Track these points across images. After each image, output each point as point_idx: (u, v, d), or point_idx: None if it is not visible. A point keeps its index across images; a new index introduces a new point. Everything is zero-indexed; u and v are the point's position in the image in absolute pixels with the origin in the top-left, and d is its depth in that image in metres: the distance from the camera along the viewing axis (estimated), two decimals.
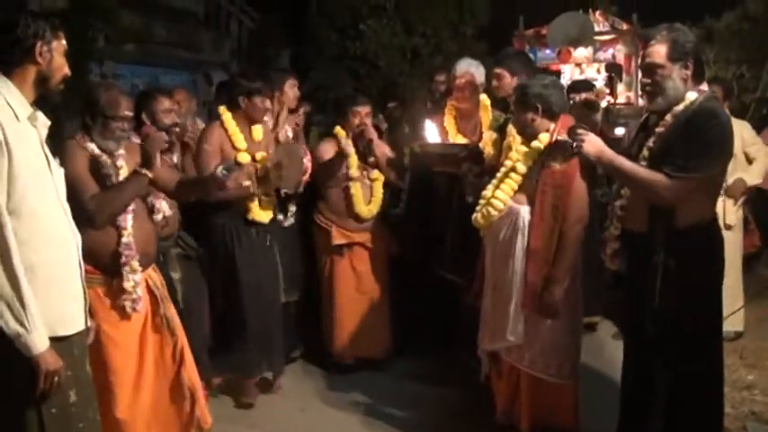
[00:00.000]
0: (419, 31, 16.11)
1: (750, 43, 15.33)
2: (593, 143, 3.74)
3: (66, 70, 3.13)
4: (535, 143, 4.42)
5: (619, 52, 12.33)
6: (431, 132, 5.56)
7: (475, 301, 4.90)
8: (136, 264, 3.91)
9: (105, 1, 11.82)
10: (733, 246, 6.21)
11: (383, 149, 6.04)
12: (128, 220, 3.91)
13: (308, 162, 5.89)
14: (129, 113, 4.01)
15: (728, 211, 6.60)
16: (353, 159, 5.89)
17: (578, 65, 11.93)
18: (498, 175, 4.53)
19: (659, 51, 3.63)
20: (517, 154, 4.49)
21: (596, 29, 11.95)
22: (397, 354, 6.20)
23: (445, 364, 6.00)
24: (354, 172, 5.88)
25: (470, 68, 5.61)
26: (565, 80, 10.66)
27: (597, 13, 12.56)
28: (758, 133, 7.22)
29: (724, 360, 5.54)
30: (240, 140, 5.26)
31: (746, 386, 5.18)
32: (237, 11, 21.12)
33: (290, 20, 20.39)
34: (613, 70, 11.64)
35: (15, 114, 2.88)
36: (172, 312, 4.24)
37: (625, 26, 12.43)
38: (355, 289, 5.99)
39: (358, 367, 5.97)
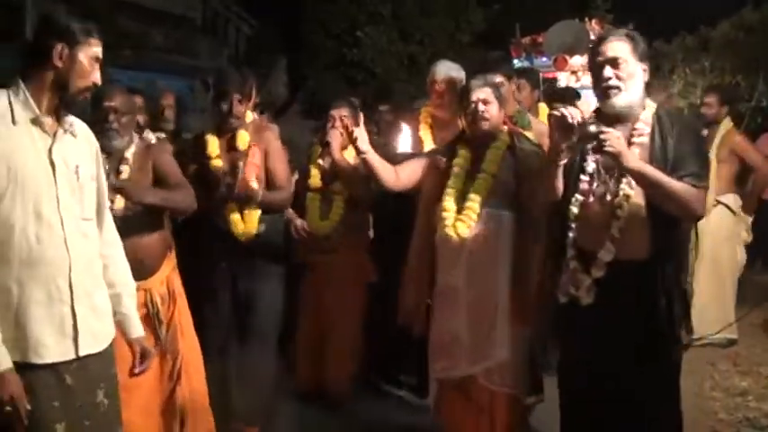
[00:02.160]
0: (416, 39, 16.24)
1: (745, 52, 15.44)
2: (618, 141, 2.97)
3: (95, 78, 2.83)
4: (499, 144, 3.95)
5: None
6: (403, 142, 4.91)
7: (409, 321, 4.20)
8: None
9: (103, 6, 11.87)
10: (730, 255, 6.23)
11: (346, 159, 5.02)
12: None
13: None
14: (114, 104, 3.68)
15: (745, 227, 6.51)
16: (315, 168, 5.12)
17: (574, 72, 11.95)
18: (452, 180, 3.96)
19: (622, 47, 3.13)
20: (461, 158, 4.00)
21: (592, 37, 12.00)
22: (364, 388, 5.21)
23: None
24: (314, 182, 5.11)
25: (451, 72, 4.88)
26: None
27: (593, 21, 12.60)
28: (753, 141, 7.24)
29: (718, 366, 5.68)
30: (214, 147, 4.45)
31: (740, 393, 5.12)
32: (235, 17, 21.23)
33: (288, 27, 20.48)
34: None
35: (13, 117, 2.67)
36: (175, 329, 3.89)
37: None
38: (318, 314, 5.14)
39: (320, 398, 5.02)
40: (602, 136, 2.93)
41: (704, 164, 3.17)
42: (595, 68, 3.17)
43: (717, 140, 6.21)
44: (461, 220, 3.84)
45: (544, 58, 11.52)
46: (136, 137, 3.89)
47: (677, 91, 17.34)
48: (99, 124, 3.56)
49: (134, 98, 3.99)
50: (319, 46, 16.89)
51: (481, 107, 3.84)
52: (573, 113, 2.98)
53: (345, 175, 4.98)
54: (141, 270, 3.57)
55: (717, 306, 6.15)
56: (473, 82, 3.97)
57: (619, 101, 3.12)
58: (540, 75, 11.54)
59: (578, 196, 3.22)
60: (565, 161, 3.15)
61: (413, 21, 15.98)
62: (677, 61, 17.44)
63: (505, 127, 4.06)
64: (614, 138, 2.94)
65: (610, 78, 3.11)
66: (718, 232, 6.14)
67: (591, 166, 3.19)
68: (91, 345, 2.78)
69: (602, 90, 3.14)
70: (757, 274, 7.84)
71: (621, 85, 3.10)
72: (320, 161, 5.09)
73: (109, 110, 3.68)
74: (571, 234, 3.23)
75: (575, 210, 3.23)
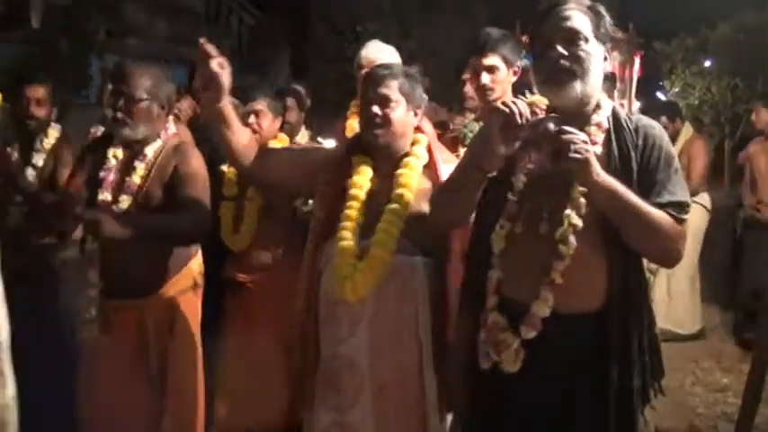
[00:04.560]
0: (416, 35, 16.33)
1: (745, 54, 15.54)
2: (587, 147, 2.13)
3: None
4: (413, 160, 2.88)
5: (614, 60, 12.48)
6: (328, 143, 4.18)
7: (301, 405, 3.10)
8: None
9: None
10: (698, 252, 6.38)
11: None
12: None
13: None
14: (122, 86, 3.17)
15: None
16: (230, 171, 4.01)
17: None
18: (348, 209, 2.84)
19: (581, 19, 2.27)
20: (362, 176, 2.89)
21: None
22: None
23: None
24: (228, 189, 4.03)
25: (380, 55, 3.95)
26: None
27: None
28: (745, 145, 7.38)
29: (701, 363, 5.75)
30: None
31: (720, 389, 5.22)
32: (238, 8, 21.31)
33: (291, 19, 20.55)
34: (606, 78, 11.79)
35: None
36: (170, 362, 3.27)
37: (621, 35, 12.58)
38: (244, 341, 4.05)
39: None
40: (565, 137, 2.09)
41: (684, 190, 2.29)
42: (541, 44, 2.28)
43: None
44: (362, 272, 2.72)
45: None
46: (166, 131, 3.27)
47: (676, 91, 17.48)
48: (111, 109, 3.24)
49: (161, 81, 3.22)
50: (323, 39, 17.00)
51: (376, 109, 2.80)
52: (521, 108, 2.17)
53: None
54: (132, 287, 3.10)
55: (690, 301, 6.40)
56: (374, 72, 2.93)
57: (572, 90, 2.22)
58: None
59: (504, 222, 2.31)
60: (493, 173, 2.28)
61: (413, 17, 16.10)
62: (676, 62, 17.60)
63: (424, 136, 2.97)
64: (581, 141, 2.10)
65: (562, 58, 2.21)
66: (699, 233, 6.32)
67: (521, 180, 2.30)
68: None
69: (550, 74, 2.25)
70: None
71: (577, 70, 2.21)
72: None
73: (115, 93, 3.21)
74: (493, 276, 2.33)
75: (498, 242, 2.32)
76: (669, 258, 2.37)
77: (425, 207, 2.72)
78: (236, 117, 2.90)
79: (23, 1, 13.67)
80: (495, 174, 2.28)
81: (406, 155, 2.87)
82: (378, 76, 2.86)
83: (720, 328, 6.65)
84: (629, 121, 2.33)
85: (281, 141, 4.07)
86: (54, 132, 4.39)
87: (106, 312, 3.01)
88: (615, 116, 2.34)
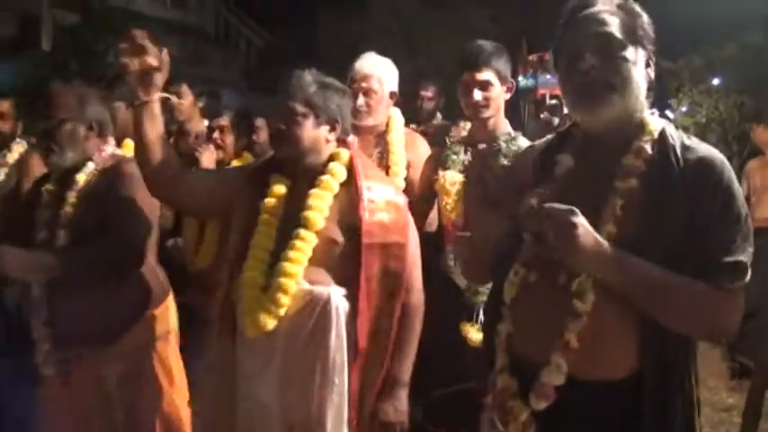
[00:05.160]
0: (423, 53, 16.40)
1: (751, 73, 15.54)
2: (586, 234, 1.73)
3: None
4: (327, 178, 2.58)
5: None
6: None
7: None
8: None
9: (118, 17, 12.08)
10: None
11: None
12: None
13: None
14: (49, 109, 2.91)
15: None
16: None
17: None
18: (258, 234, 2.59)
19: (614, 23, 1.87)
20: (274, 197, 2.63)
21: None
22: None
23: None
24: None
25: (375, 69, 3.60)
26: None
27: None
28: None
29: (707, 383, 5.62)
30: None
31: (726, 408, 5.20)
32: (247, 30, 21.45)
33: (299, 40, 20.68)
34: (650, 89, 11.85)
35: None
36: (140, 416, 2.98)
37: None
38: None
39: None
40: (546, 217, 1.73)
41: (746, 244, 1.78)
42: (568, 56, 1.90)
43: None
44: (264, 304, 2.47)
45: (548, 76, 11.66)
46: (99, 153, 3.00)
47: (684, 110, 17.49)
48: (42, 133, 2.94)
49: (87, 99, 2.98)
50: (332, 58, 17.06)
51: (280, 122, 2.57)
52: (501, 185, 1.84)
53: None
54: (88, 335, 2.81)
55: None
56: (291, 84, 2.61)
57: (609, 107, 1.83)
58: (546, 92, 11.74)
59: (518, 267, 1.96)
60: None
61: (421, 35, 16.17)
62: (683, 81, 17.60)
63: (345, 150, 2.67)
64: (565, 222, 1.70)
65: (594, 68, 1.83)
66: None
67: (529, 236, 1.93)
68: None
69: (581, 88, 1.86)
70: None
71: (614, 81, 1.82)
72: None
73: (35, 118, 2.96)
74: (503, 330, 2.00)
75: (510, 290, 1.98)
76: (717, 336, 2.06)
77: (346, 232, 2.52)
78: (161, 122, 2.62)
79: (34, 23, 13.82)
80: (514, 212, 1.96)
81: (322, 172, 2.60)
82: (287, 87, 2.60)
83: (726, 347, 6.64)
84: (681, 150, 1.83)
85: (244, 160, 3.96)
86: (18, 147, 4.24)
87: (64, 364, 2.82)
88: (663, 142, 1.85)
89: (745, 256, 1.76)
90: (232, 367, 2.58)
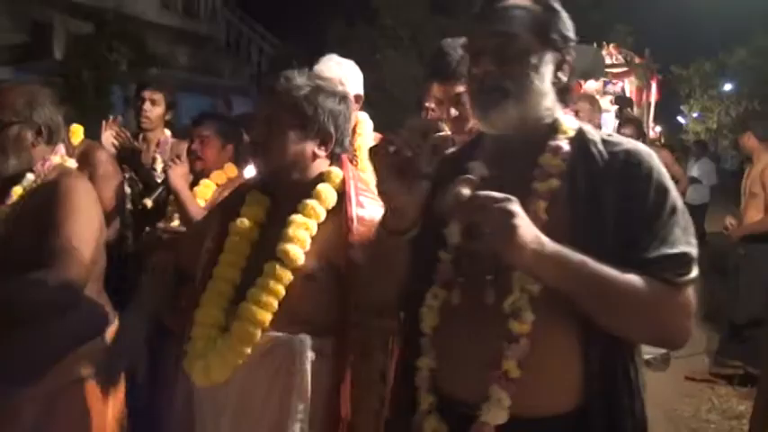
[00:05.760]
0: None
1: (762, 77, 15.53)
2: (527, 226, 1.49)
3: None
4: (312, 203, 2.16)
5: (631, 84, 12.50)
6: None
7: None
8: None
9: (132, 28, 12.16)
10: None
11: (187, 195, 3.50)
12: None
13: None
14: None
15: None
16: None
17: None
18: (221, 264, 2.22)
19: (521, 21, 1.68)
20: (245, 219, 2.24)
21: (609, 61, 12.13)
22: None
23: None
24: (173, 224, 3.61)
25: (336, 71, 3.25)
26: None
27: (611, 46, 12.73)
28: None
29: (717, 390, 5.61)
30: None
31: (736, 416, 5.17)
32: (258, 38, 21.53)
33: (309, 49, 20.75)
34: (623, 103, 11.81)
35: None
36: None
37: (638, 59, 12.61)
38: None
39: None
40: (478, 206, 1.46)
41: (687, 235, 1.63)
42: (471, 58, 1.75)
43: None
44: (219, 350, 2.09)
45: None
46: (44, 163, 2.57)
47: (695, 116, 17.46)
48: None
49: (38, 100, 2.57)
50: None
51: (258, 132, 2.23)
52: (409, 139, 1.58)
53: (182, 216, 3.49)
54: (5, 372, 2.41)
55: None
56: (277, 86, 2.24)
57: (502, 114, 1.66)
58: None
59: (437, 290, 1.68)
60: (412, 231, 1.66)
61: (431, 44, 16.17)
62: (694, 86, 17.60)
63: (337, 170, 2.25)
64: (502, 209, 1.45)
65: (489, 75, 1.67)
66: None
67: (455, 232, 1.61)
68: None
69: (475, 95, 1.72)
70: None
71: (509, 87, 1.65)
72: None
73: None
74: (423, 366, 1.70)
75: (429, 318, 1.68)
76: (669, 341, 1.70)
77: (326, 267, 2.11)
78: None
79: (47, 32, 13.92)
80: (419, 229, 1.67)
81: (308, 193, 2.18)
82: (272, 89, 2.22)
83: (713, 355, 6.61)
84: (603, 145, 1.69)
85: (229, 171, 3.73)
86: None
87: None
88: (582, 138, 1.71)
89: (689, 247, 1.59)
90: (190, 408, 2.23)
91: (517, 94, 1.65)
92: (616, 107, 11.74)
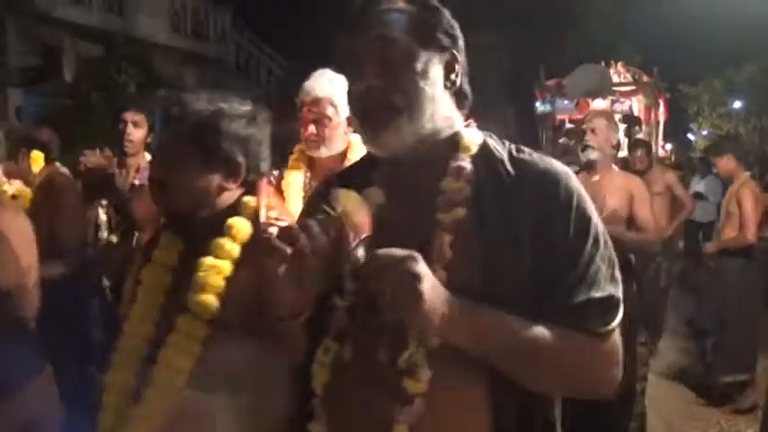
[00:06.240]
0: None
1: None
2: (434, 288, 1.25)
3: None
4: (223, 242, 1.84)
5: (639, 103, 12.48)
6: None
7: None
8: None
9: (141, 50, 12.25)
10: None
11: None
12: None
13: None
14: None
15: None
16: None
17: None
18: (131, 319, 1.93)
19: (401, 24, 1.46)
20: (154, 264, 1.94)
21: (617, 80, 12.12)
22: None
23: None
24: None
25: (327, 91, 2.87)
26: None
27: (619, 64, 12.72)
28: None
29: (726, 412, 5.48)
30: None
31: None
32: (267, 59, 21.67)
33: (317, 69, 20.84)
34: (631, 121, 11.79)
35: None
36: None
37: (646, 78, 12.60)
38: None
39: None
40: (375, 270, 1.23)
41: (610, 273, 1.40)
42: (350, 70, 1.49)
43: None
44: (133, 421, 1.84)
45: (566, 101, 11.64)
46: None
47: (704, 134, 17.43)
48: None
49: None
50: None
51: (156, 173, 1.96)
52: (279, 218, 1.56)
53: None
54: None
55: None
56: (170, 116, 1.91)
57: (395, 133, 1.40)
58: (564, 118, 11.75)
59: (330, 343, 1.43)
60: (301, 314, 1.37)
61: None
62: (703, 104, 17.55)
63: (250, 199, 1.92)
64: (407, 274, 1.22)
65: (374, 88, 1.41)
66: None
67: (350, 277, 1.37)
68: None
69: (361, 115, 1.44)
70: None
71: (398, 101, 1.39)
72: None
73: None
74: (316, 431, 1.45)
75: (320, 375, 1.43)
76: (593, 393, 1.46)
77: (242, 306, 1.79)
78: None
79: (57, 54, 14.04)
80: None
81: (219, 230, 1.86)
82: (167, 120, 1.90)
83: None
84: (512, 164, 1.44)
85: None
86: None
87: None
88: (486, 156, 1.45)
89: (614, 287, 1.37)
90: None
91: (409, 107, 1.40)
92: (624, 126, 11.74)
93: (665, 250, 6.80)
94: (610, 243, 1.42)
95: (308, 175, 2.86)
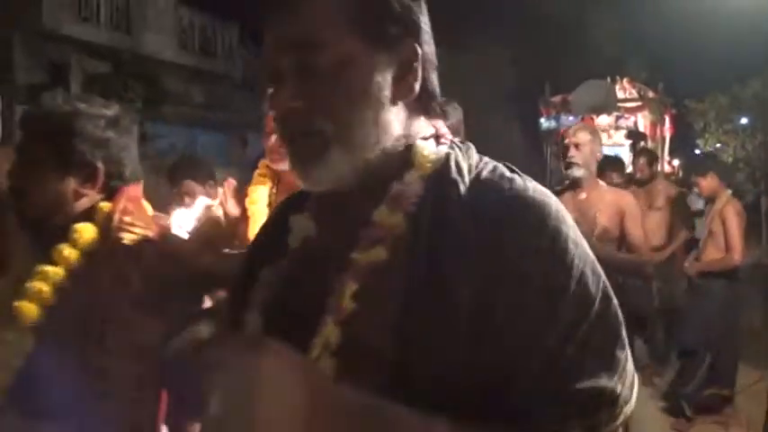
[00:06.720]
0: (441, 93, 16.42)
1: None
2: (283, 359, 0.86)
3: None
4: (63, 250, 1.75)
5: (645, 119, 12.47)
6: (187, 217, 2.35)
7: None
8: None
9: (148, 67, 12.30)
10: None
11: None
12: None
13: None
14: None
15: None
16: None
17: (603, 131, 12.04)
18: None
19: (326, 12, 1.02)
20: (8, 279, 1.80)
21: (622, 96, 12.12)
22: None
23: None
24: None
25: None
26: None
27: (625, 80, 12.72)
28: None
29: (729, 429, 5.49)
30: None
31: None
32: None
33: None
34: (636, 137, 11.77)
35: None
36: None
37: (651, 94, 12.60)
38: None
39: None
40: (214, 362, 0.88)
41: (619, 353, 0.96)
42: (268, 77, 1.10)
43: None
44: None
45: (571, 117, 11.63)
46: None
47: (711, 150, 17.38)
48: None
49: None
50: None
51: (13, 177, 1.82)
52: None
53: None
54: None
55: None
56: (28, 117, 1.85)
57: (324, 170, 1.05)
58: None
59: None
60: None
61: (439, 75, 16.19)
62: (709, 120, 17.50)
63: (105, 205, 1.81)
64: (273, 354, 0.86)
65: (293, 113, 1.05)
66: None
67: (255, 319, 1.11)
68: None
69: (285, 142, 1.10)
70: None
71: (325, 127, 1.03)
72: None
73: None
74: None
75: None
76: None
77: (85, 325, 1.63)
78: None
79: (63, 71, 14.09)
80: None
81: (66, 239, 1.72)
82: (26, 121, 1.82)
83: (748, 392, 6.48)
84: (474, 190, 1.04)
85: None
86: None
87: None
88: (443, 176, 1.06)
89: (609, 375, 0.93)
90: None
91: (342, 136, 1.03)
92: (629, 142, 11.72)
93: (667, 271, 6.69)
94: (613, 307, 0.99)
95: (275, 191, 2.61)
